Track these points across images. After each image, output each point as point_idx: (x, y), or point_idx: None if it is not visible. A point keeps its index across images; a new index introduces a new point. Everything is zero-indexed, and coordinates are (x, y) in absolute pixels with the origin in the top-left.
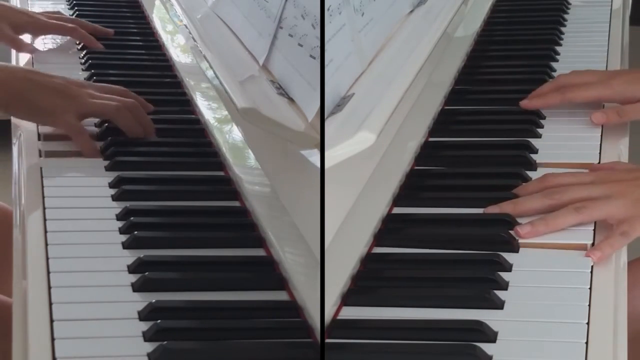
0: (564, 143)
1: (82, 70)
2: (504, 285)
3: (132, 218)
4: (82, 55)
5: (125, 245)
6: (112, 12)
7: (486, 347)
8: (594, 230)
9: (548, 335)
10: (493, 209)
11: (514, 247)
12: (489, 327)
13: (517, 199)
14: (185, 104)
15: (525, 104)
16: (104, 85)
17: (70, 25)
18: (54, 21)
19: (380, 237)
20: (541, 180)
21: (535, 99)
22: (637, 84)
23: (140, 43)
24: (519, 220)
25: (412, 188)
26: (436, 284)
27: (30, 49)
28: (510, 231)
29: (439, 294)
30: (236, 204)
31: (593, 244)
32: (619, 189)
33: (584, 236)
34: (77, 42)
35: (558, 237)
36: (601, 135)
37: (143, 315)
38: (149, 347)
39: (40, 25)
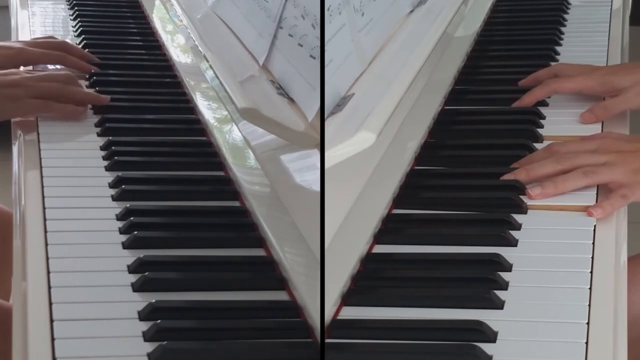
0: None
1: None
2: (504, 285)
3: (132, 218)
4: None
5: (125, 245)
6: (112, 12)
7: (486, 347)
8: (597, 193)
9: (548, 335)
10: (508, 177)
11: (512, 243)
12: (489, 327)
13: (528, 166)
14: (185, 104)
15: (518, 104)
16: (34, 72)
17: (57, 53)
18: (41, 50)
19: (380, 237)
20: (547, 149)
21: (526, 97)
22: (618, 74)
23: (140, 43)
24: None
25: (412, 188)
26: (436, 284)
27: None
28: (510, 231)
29: (439, 294)
30: (236, 204)
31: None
32: (621, 158)
33: (587, 199)
34: (78, 43)
35: (563, 200)
36: None
37: (143, 315)
38: (149, 347)
39: (25, 58)
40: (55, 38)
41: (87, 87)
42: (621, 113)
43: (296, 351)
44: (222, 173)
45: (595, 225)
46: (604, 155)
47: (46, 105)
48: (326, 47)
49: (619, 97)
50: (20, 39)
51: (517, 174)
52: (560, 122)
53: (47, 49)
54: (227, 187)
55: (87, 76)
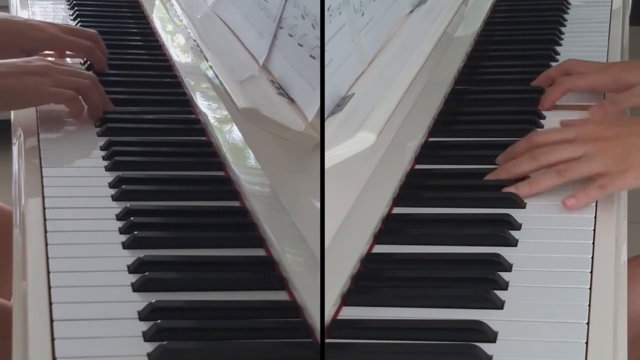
0: None
1: (81, 64)
2: (504, 285)
3: (132, 218)
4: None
5: (125, 245)
6: (112, 12)
7: (486, 347)
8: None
9: (548, 335)
10: (489, 177)
11: (512, 243)
12: (489, 327)
13: (507, 164)
14: (185, 104)
15: (541, 108)
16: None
17: (87, 44)
18: (71, 37)
19: (380, 237)
20: (528, 140)
21: (545, 101)
22: (632, 71)
23: (140, 43)
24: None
25: (412, 188)
26: (436, 284)
27: None
28: (510, 231)
29: (439, 294)
30: (236, 204)
31: (595, 217)
32: (599, 147)
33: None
34: None
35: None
36: None
37: (143, 315)
38: (149, 347)
39: (55, 43)
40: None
41: None
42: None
43: (296, 351)
44: (222, 173)
45: (595, 226)
46: (582, 146)
47: (71, 96)
48: (326, 47)
49: (629, 91)
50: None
51: (498, 174)
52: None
53: (79, 38)
54: (227, 187)
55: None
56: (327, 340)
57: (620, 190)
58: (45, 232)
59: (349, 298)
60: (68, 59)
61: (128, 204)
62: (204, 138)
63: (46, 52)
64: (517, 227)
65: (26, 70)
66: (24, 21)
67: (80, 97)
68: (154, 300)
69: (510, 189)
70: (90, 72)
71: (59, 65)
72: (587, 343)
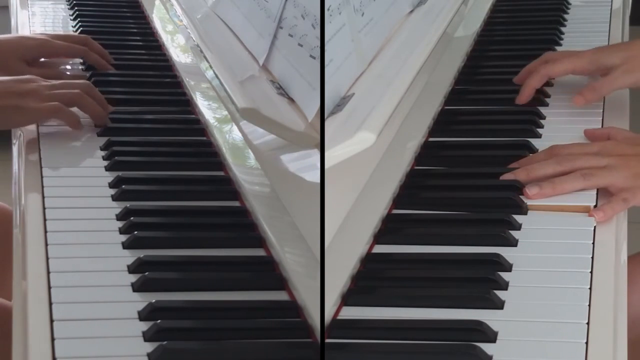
0: (564, 142)
1: (82, 70)
2: (504, 285)
3: (132, 218)
4: None
5: (125, 245)
6: (112, 12)
7: (486, 347)
8: (597, 193)
9: (548, 335)
10: (507, 176)
11: (512, 243)
12: (489, 327)
13: (529, 166)
14: (185, 104)
15: (518, 100)
16: (52, 80)
17: (80, 47)
18: (64, 43)
19: (380, 237)
20: (549, 150)
21: (524, 92)
22: (607, 52)
23: (140, 43)
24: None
25: (412, 188)
26: (436, 284)
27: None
28: (510, 231)
29: (439, 294)
30: (236, 204)
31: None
32: (622, 162)
33: (587, 199)
34: None
35: (563, 200)
36: None
37: (143, 315)
38: (149, 347)
39: (49, 49)
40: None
41: None
42: (614, 92)
43: (296, 351)
44: (222, 173)
45: (595, 226)
46: (605, 158)
47: (57, 108)
48: (326, 47)
49: (607, 76)
50: None
51: (518, 174)
52: (560, 122)
53: (70, 43)
54: (227, 187)
55: (87, 76)
56: (327, 340)
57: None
58: (45, 232)
59: (349, 298)
60: (68, 66)
61: (128, 204)
62: (204, 138)
63: (44, 59)
64: (517, 227)
65: (12, 91)
66: (16, 36)
67: (68, 107)
68: (154, 300)
69: (534, 189)
70: (82, 81)
71: (48, 80)
72: (587, 343)
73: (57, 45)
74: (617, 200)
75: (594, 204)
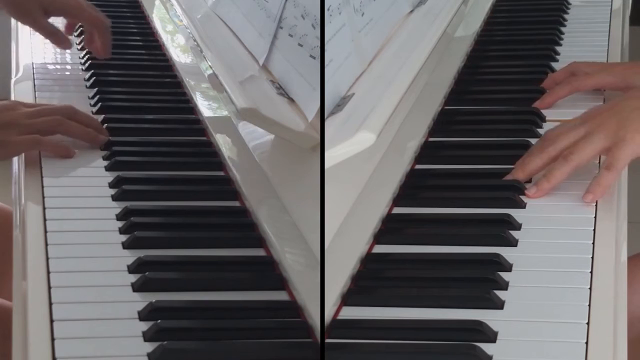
0: None
1: (82, 70)
2: (504, 285)
3: (132, 218)
4: (82, 55)
5: (125, 245)
6: (112, 12)
7: (486, 347)
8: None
9: (548, 335)
10: (507, 177)
11: (512, 243)
12: (489, 327)
13: (522, 161)
14: (185, 104)
15: (539, 104)
16: (33, 106)
17: (105, 21)
18: (92, 11)
19: (380, 237)
20: (541, 139)
21: (547, 97)
22: (638, 70)
23: (140, 43)
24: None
25: (412, 188)
26: (436, 284)
27: (68, 44)
28: (510, 231)
29: (439, 294)
30: (236, 204)
31: (595, 217)
32: (599, 121)
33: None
34: (78, 42)
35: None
36: None
37: (143, 315)
38: (149, 347)
39: (76, 10)
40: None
41: (89, 98)
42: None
43: (296, 351)
44: (222, 173)
45: (595, 226)
46: (582, 127)
47: (36, 141)
48: (326, 47)
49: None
50: (20, 39)
51: (515, 174)
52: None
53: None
54: (227, 187)
55: (86, 77)
56: (327, 340)
57: (628, 160)
58: (45, 232)
59: (349, 298)
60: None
61: (128, 204)
62: (204, 138)
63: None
64: (517, 227)
65: None
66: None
67: (49, 134)
68: (154, 300)
69: (532, 189)
70: (62, 105)
71: (28, 106)
72: (587, 343)
73: (86, 15)
74: (601, 172)
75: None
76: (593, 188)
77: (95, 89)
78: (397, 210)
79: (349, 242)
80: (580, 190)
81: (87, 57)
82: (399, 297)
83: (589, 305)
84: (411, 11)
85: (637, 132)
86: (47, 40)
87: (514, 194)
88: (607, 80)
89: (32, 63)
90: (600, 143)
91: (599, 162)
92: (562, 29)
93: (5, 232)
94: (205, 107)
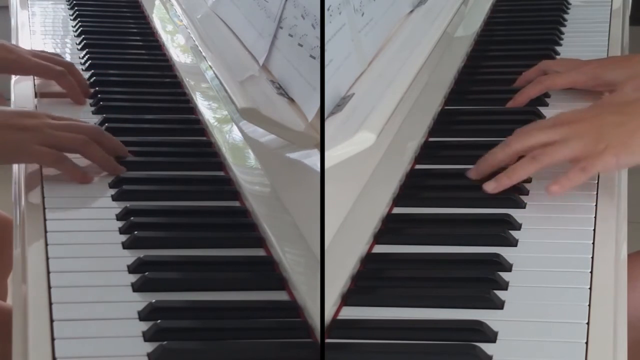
0: None
1: (83, 70)
2: (504, 285)
3: (132, 218)
4: (82, 55)
5: (125, 245)
6: (112, 12)
7: (486, 347)
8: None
9: (548, 335)
10: (471, 173)
11: (512, 243)
12: (489, 327)
13: (485, 157)
14: (185, 104)
15: (511, 104)
16: (60, 119)
17: (58, 68)
18: (41, 62)
19: (380, 237)
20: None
21: (518, 96)
22: (609, 68)
23: (140, 43)
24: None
25: (412, 188)
26: (436, 284)
27: None
28: (510, 231)
29: (439, 294)
30: (236, 204)
31: (595, 217)
32: (574, 130)
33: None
34: (78, 43)
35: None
36: None
37: (143, 315)
38: (149, 347)
39: (24, 65)
40: (61, 57)
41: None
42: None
43: (296, 351)
44: (222, 173)
45: (595, 226)
46: (557, 130)
47: (57, 158)
48: (326, 47)
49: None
50: (20, 39)
51: (478, 166)
52: None
53: (49, 62)
54: (227, 187)
55: (86, 77)
56: (327, 340)
57: (603, 171)
58: (45, 232)
59: (349, 298)
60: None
61: (128, 204)
62: (204, 138)
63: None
64: (517, 227)
65: (14, 125)
66: None
67: (69, 152)
68: (154, 300)
69: (490, 184)
70: (91, 125)
71: (56, 119)
72: (587, 343)
73: (33, 64)
74: (574, 170)
75: (594, 200)
76: (563, 182)
77: (95, 89)
78: (397, 210)
79: (349, 242)
80: (581, 190)
81: (87, 57)
82: (398, 297)
83: (589, 305)
84: (411, 11)
85: (617, 149)
86: (47, 41)
87: (514, 194)
88: (577, 79)
89: None
90: (575, 151)
91: None
92: (562, 29)
93: (2, 239)
94: (205, 107)
